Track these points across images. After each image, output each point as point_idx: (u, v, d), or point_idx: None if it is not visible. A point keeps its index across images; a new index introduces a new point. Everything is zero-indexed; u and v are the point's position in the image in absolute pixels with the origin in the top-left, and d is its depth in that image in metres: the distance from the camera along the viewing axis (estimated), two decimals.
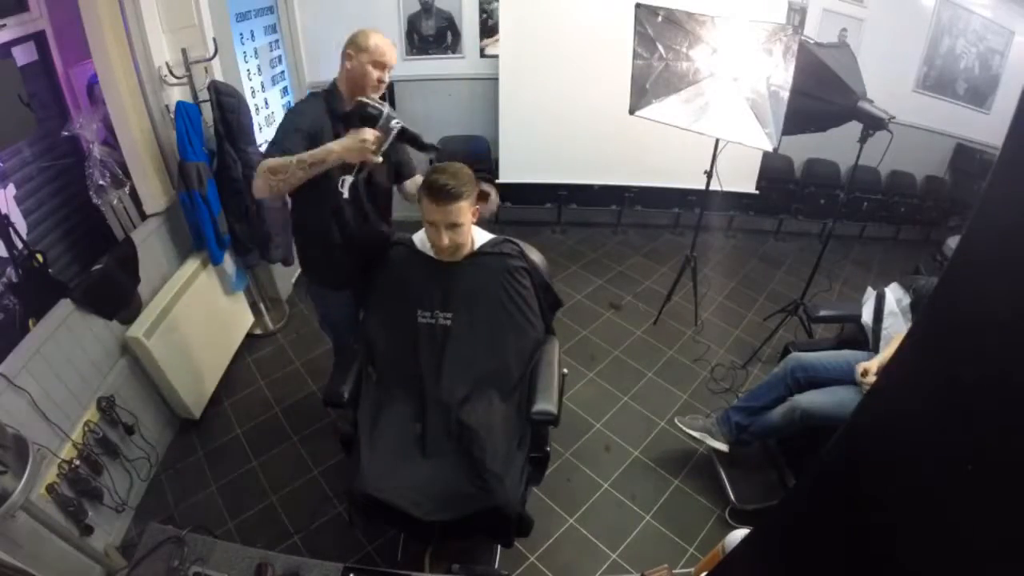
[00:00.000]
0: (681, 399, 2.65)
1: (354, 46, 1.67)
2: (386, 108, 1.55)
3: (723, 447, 2.15)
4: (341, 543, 1.97)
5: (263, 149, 1.83)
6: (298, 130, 1.61)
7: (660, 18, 2.44)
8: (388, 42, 1.69)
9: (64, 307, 1.82)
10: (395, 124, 1.55)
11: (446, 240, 1.57)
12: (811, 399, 1.94)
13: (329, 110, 1.69)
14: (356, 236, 1.80)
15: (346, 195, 1.71)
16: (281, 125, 1.67)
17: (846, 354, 2.07)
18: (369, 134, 1.53)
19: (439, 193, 1.50)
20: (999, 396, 0.54)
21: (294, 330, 3.03)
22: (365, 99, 1.56)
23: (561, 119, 3.44)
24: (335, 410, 2.09)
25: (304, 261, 1.98)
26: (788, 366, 2.07)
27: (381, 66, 1.68)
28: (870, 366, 1.88)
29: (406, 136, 1.60)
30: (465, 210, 1.55)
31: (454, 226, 1.56)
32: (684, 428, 2.25)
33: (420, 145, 1.63)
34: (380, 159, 1.59)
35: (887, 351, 1.99)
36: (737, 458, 2.22)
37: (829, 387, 1.99)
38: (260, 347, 2.90)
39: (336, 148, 1.53)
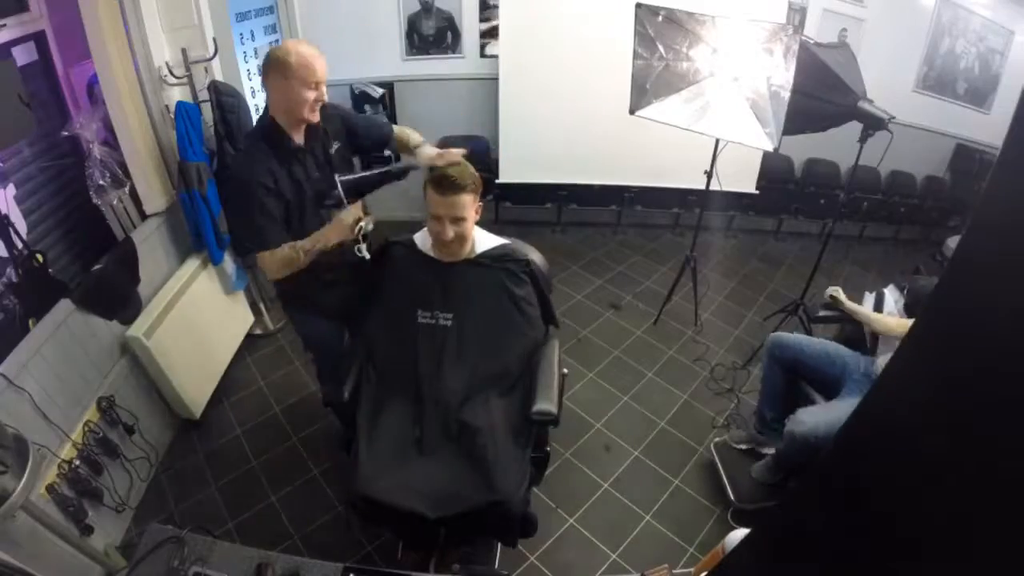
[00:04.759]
0: (681, 399, 2.65)
1: (277, 69, 1.46)
2: (338, 187, 1.56)
3: (771, 450, 2.15)
4: (341, 543, 1.97)
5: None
6: (264, 205, 1.51)
7: (660, 18, 2.44)
8: (312, 52, 1.47)
9: (64, 307, 1.82)
10: (348, 202, 1.58)
11: (451, 233, 1.57)
12: (806, 420, 1.87)
13: (274, 150, 1.55)
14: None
15: (367, 256, 1.59)
16: (244, 199, 1.52)
17: (828, 345, 2.11)
18: (347, 216, 1.54)
19: (445, 184, 1.53)
20: (999, 396, 0.54)
21: (294, 330, 3.02)
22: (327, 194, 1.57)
23: (561, 119, 3.44)
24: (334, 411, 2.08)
25: (292, 299, 1.86)
26: (768, 346, 2.16)
27: (313, 84, 1.47)
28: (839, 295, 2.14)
29: (374, 186, 1.65)
30: (469, 204, 1.57)
31: (459, 220, 1.57)
32: (734, 446, 2.27)
33: (393, 176, 1.65)
34: (372, 221, 1.56)
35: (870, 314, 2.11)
36: (740, 459, 2.23)
37: (827, 403, 2.00)
38: (260, 347, 2.90)
39: (331, 235, 1.55)
